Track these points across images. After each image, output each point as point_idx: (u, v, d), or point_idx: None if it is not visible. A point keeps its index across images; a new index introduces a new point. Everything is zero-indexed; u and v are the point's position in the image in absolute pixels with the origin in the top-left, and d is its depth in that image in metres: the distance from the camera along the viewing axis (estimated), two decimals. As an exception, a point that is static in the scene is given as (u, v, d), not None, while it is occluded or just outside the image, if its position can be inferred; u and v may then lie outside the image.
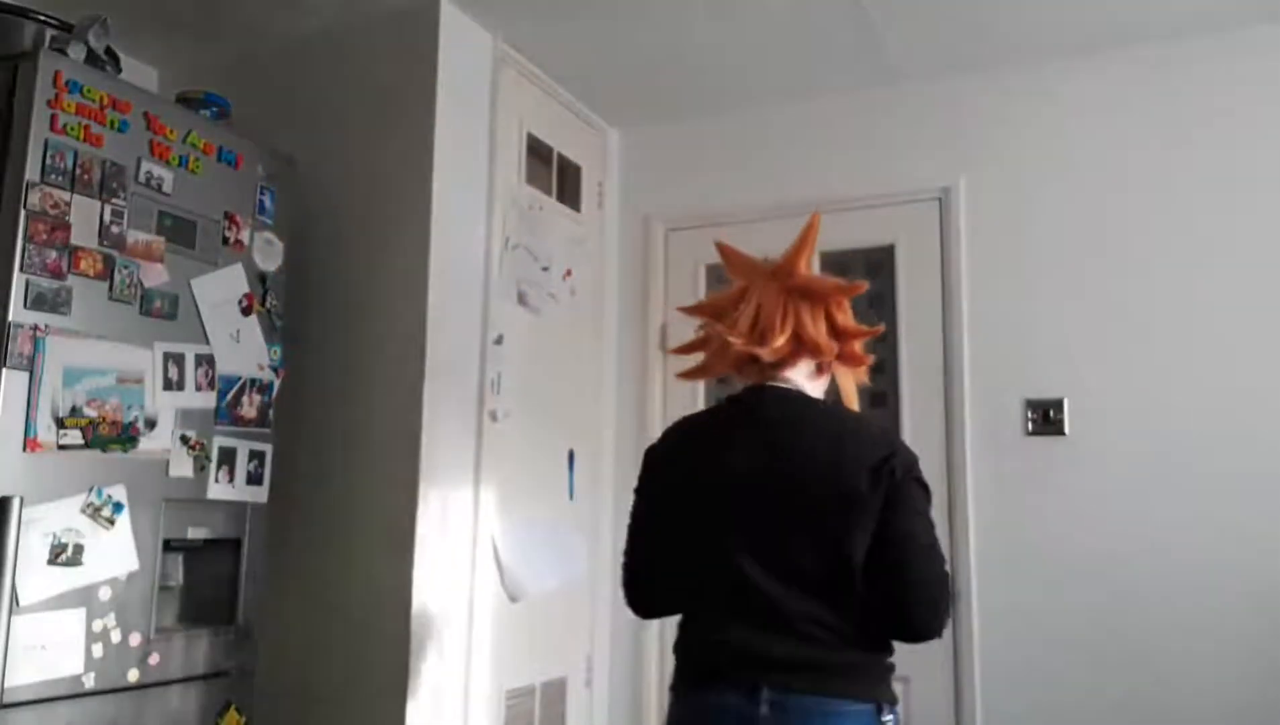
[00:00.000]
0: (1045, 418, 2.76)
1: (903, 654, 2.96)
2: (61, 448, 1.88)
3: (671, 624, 1.78)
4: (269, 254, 2.36)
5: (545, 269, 3.00)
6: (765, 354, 1.68)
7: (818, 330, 1.71)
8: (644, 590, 1.76)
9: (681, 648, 1.69)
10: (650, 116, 3.36)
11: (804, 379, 1.76)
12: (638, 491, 1.83)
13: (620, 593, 1.81)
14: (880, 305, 3.04)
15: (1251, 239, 2.62)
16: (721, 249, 1.88)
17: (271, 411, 2.33)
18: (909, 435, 2.92)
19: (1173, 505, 2.59)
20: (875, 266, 3.06)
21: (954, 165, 2.96)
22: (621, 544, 1.88)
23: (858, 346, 1.80)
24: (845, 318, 1.77)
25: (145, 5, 2.67)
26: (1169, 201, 2.72)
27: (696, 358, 1.88)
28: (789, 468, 1.61)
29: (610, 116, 3.39)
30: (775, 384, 1.73)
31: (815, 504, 1.56)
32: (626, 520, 1.88)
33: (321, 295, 2.67)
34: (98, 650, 1.90)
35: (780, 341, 1.68)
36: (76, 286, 1.93)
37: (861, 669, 1.58)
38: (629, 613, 1.86)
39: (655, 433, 3.29)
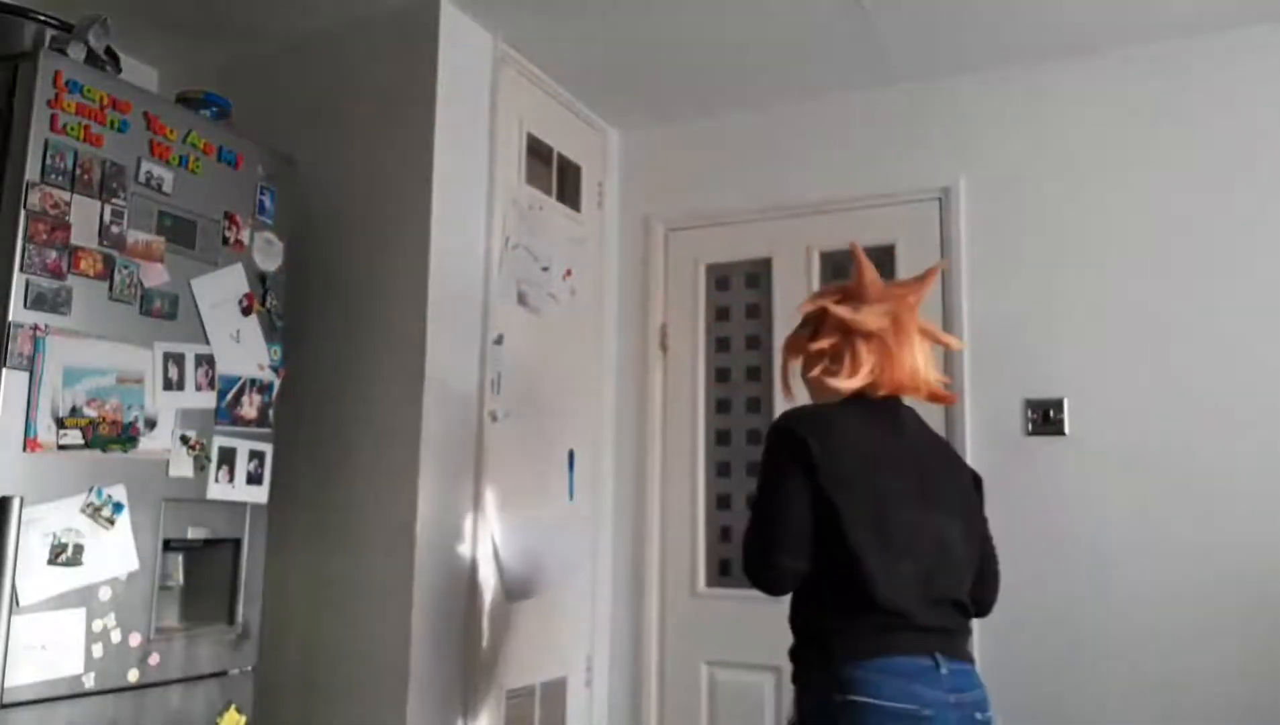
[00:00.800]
0: (1045, 418, 2.76)
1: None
2: (61, 448, 1.88)
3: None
4: (269, 254, 2.36)
5: (545, 269, 3.00)
6: (920, 397, 1.89)
7: (928, 370, 1.89)
8: (793, 561, 1.70)
9: (860, 617, 1.68)
10: (650, 116, 3.36)
11: None
12: (793, 470, 1.73)
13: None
14: (880, 305, 3.04)
15: (1252, 239, 2.62)
16: (855, 253, 1.98)
17: (271, 411, 2.33)
18: (909, 435, 2.93)
19: (1172, 505, 2.59)
20: (876, 266, 3.04)
21: (954, 165, 2.97)
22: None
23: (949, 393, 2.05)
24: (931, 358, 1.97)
25: (145, 5, 2.67)
26: (1169, 201, 2.72)
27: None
28: (939, 461, 1.90)
29: (610, 116, 3.39)
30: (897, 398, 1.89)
31: (964, 494, 1.92)
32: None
33: (321, 295, 2.67)
34: (98, 650, 1.90)
35: (923, 392, 1.89)
36: (76, 286, 1.93)
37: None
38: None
39: (655, 432, 3.33)
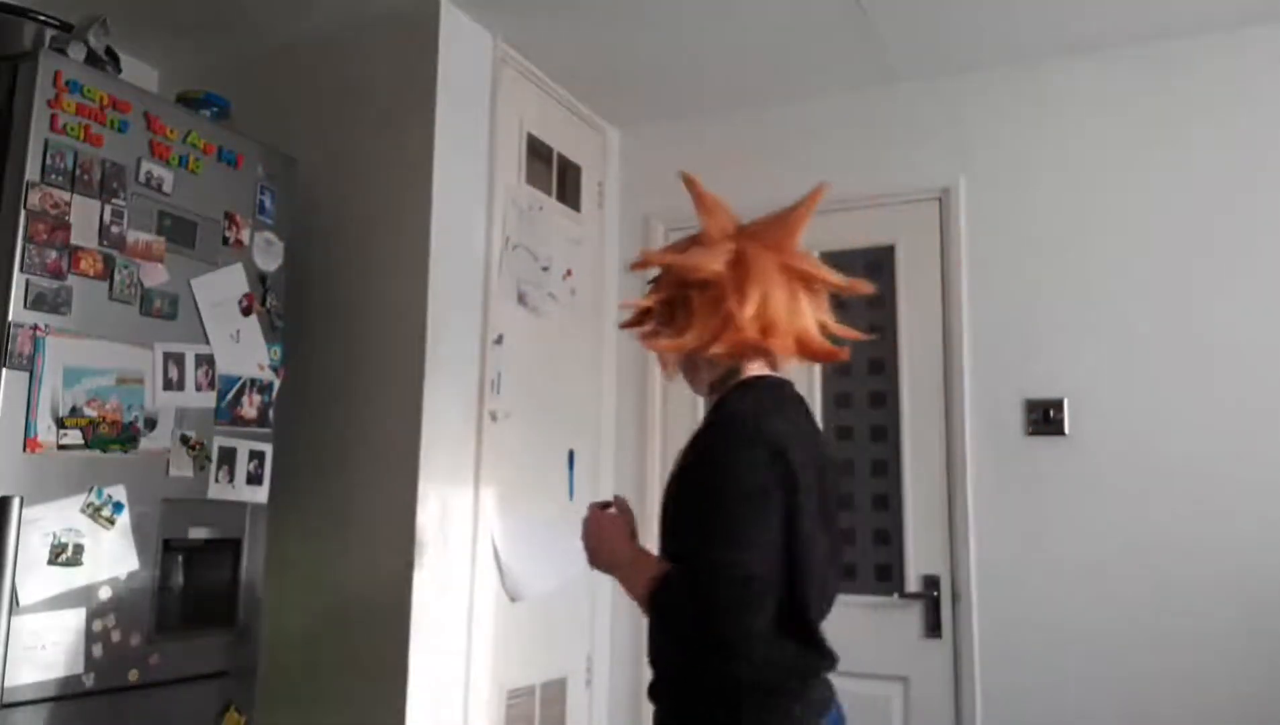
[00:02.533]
0: (1045, 418, 2.76)
1: (904, 656, 2.97)
2: (61, 448, 1.88)
3: None
4: (269, 254, 2.36)
5: (545, 269, 3.00)
6: (778, 350, 1.52)
7: (816, 329, 1.55)
8: (768, 606, 1.37)
9: (797, 671, 1.44)
10: (650, 116, 3.36)
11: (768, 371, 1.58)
12: (771, 487, 1.39)
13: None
14: (880, 305, 3.04)
15: (1252, 239, 2.62)
16: (693, 185, 1.62)
17: (271, 411, 2.33)
18: (909, 435, 2.93)
19: (1172, 505, 2.59)
20: (875, 266, 3.06)
21: (954, 165, 2.96)
22: None
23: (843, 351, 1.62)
24: (829, 315, 1.60)
25: (145, 5, 2.67)
26: (1169, 201, 2.72)
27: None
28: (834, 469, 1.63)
29: (610, 116, 3.39)
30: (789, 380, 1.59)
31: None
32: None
33: (321, 295, 2.67)
34: (98, 650, 1.90)
35: (790, 340, 1.52)
36: (76, 286, 1.93)
37: None
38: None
39: (656, 433, 3.33)
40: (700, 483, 1.42)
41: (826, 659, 1.48)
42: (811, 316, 1.56)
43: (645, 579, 1.43)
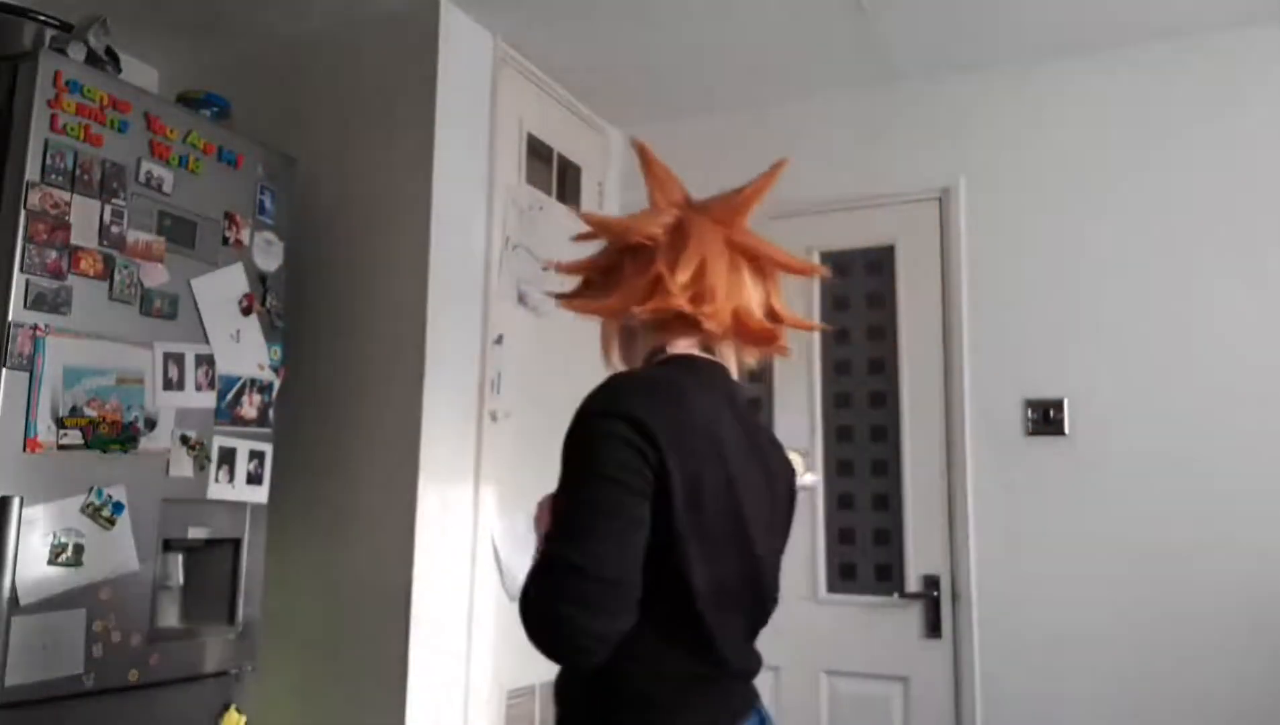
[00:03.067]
0: (1045, 418, 2.76)
1: (904, 656, 2.97)
2: (61, 448, 1.88)
3: None
4: (269, 254, 2.36)
5: (545, 269, 3.00)
6: (711, 324, 1.35)
7: (758, 310, 1.41)
8: (627, 605, 1.19)
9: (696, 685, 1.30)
10: (650, 116, 3.36)
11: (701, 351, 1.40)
12: (631, 467, 1.21)
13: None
14: (880, 305, 3.04)
15: (1252, 239, 2.62)
16: (644, 152, 1.53)
17: (271, 411, 2.33)
18: (909, 435, 2.93)
19: (1172, 505, 2.59)
20: (875, 266, 3.06)
21: (954, 165, 2.96)
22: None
23: (783, 335, 1.45)
24: (781, 300, 1.47)
25: (145, 5, 2.67)
26: (1169, 201, 2.72)
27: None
28: (773, 467, 1.42)
29: (610, 116, 3.39)
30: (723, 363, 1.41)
31: (785, 516, 1.49)
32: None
33: (321, 295, 2.67)
34: (98, 650, 1.90)
35: (726, 314, 1.36)
36: (76, 286, 1.93)
37: None
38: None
39: (655, 433, 3.31)
40: (561, 464, 1.26)
41: (726, 667, 1.32)
42: (754, 295, 1.41)
43: None
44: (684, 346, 1.38)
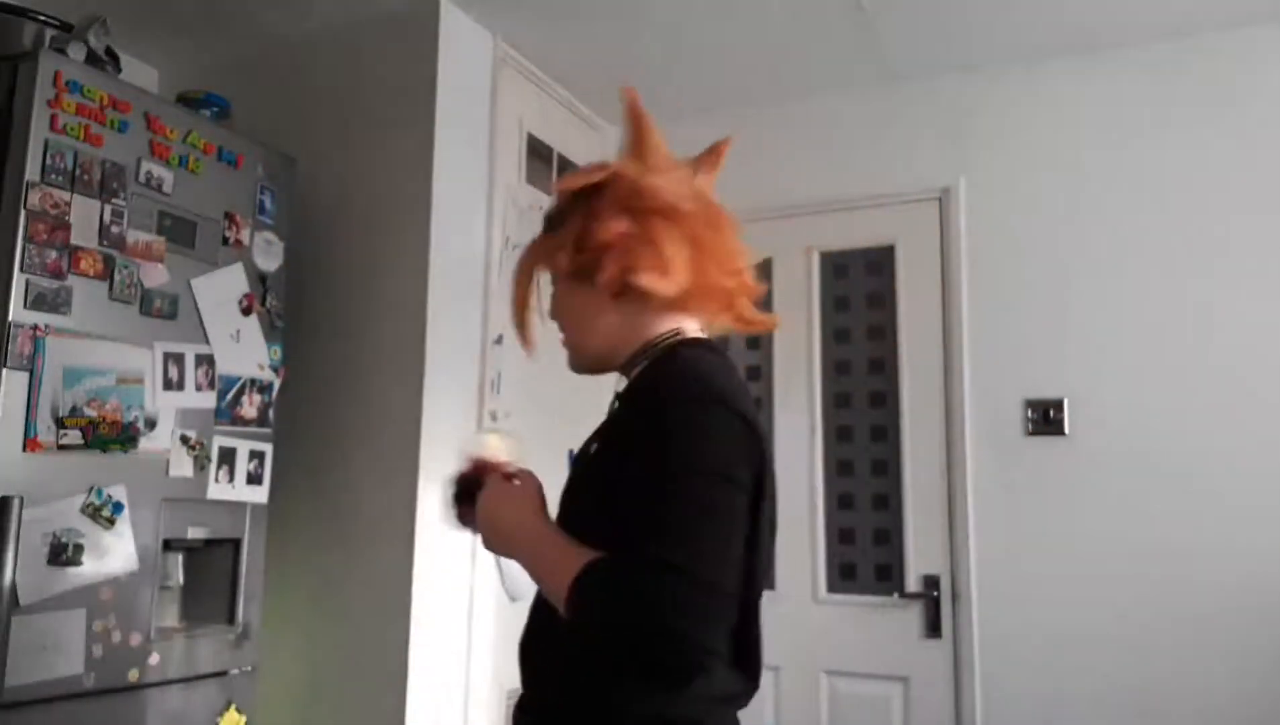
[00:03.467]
0: (1045, 418, 2.76)
1: (904, 656, 2.97)
2: (61, 448, 1.88)
3: None
4: (269, 254, 2.36)
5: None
6: (742, 306, 1.30)
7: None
8: (727, 625, 1.09)
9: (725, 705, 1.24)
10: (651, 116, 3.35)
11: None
12: (742, 469, 1.11)
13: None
14: (880, 305, 3.04)
15: (1252, 239, 2.62)
16: (636, 104, 1.42)
17: (271, 411, 2.33)
18: (909, 435, 2.93)
19: (1172, 505, 2.59)
20: (875, 266, 3.06)
21: (954, 165, 2.96)
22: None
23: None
24: None
25: (145, 5, 2.67)
26: (1169, 201, 2.72)
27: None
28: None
29: (610, 116, 3.39)
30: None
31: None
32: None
33: (321, 295, 2.67)
34: (98, 650, 1.90)
35: (747, 299, 1.34)
36: (76, 286, 1.93)
37: None
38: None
39: (655, 433, 3.31)
40: (648, 455, 1.08)
41: (755, 685, 1.28)
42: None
43: (568, 562, 1.10)
44: (694, 329, 1.28)
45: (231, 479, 2.22)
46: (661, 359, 1.22)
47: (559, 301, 1.31)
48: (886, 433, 2.98)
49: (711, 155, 1.45)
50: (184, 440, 2.12)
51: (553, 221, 1.30)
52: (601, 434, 1.23)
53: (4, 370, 1.81)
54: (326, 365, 2.63)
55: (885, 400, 2.99)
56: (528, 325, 1.35)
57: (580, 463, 1.27)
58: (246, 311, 2.29)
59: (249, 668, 2.24)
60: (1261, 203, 2.62)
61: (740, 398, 1.15)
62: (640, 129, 1.36)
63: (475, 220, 2.74)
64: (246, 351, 2.28)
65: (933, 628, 2.81)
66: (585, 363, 1.33)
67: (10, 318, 1.82)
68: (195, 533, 2.15)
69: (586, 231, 1.22)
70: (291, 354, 2.44)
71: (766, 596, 1.22)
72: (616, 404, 1.25)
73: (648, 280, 1.19)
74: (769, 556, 1.22)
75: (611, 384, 1.31)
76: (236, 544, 2.24)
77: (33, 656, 1.79)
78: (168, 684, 2.05)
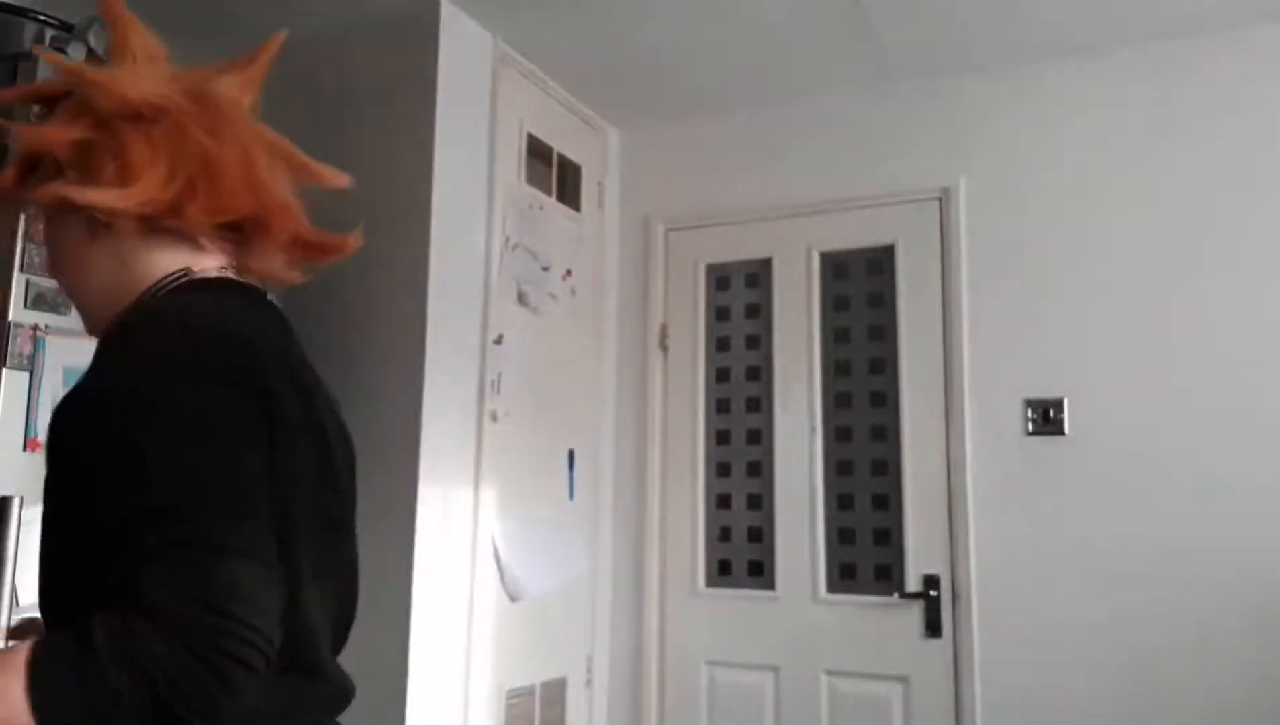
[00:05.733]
0: (1045, 418, 2.76)
1: (904, 656, 2.96)
2: (62, 448, 1.88)
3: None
4: (269, 254, 2.35)
5: (545, 269, 3.00)
6: (276, 225, 1.10)
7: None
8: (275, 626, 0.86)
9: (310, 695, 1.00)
10: (650, 116, 3.36)
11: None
12: (246, 416, 0.91)
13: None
14: (880, 305, 3.04)
15: (1252, 239, 2.62)
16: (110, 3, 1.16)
17: (271, 411, 2.32)
18: (909, 435, 2.93)
19: (1172, 505, 2.59)
20: (875, 266, 3.07)
21: (954, 165, 2.97)
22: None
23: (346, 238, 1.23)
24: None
25: (145, 5, 2.67)
26: (1169, 201, 2.72)
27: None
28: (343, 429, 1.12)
29: (610, 116, 3.39)
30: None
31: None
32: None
33: (322, 295, 2.66)
34: (98, 650, 1.90)
35: (288, 218, 1.15)
36: (77, 286, 1.93)
37: None
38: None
39: (656, 432, 3.33)
40: (122, 415, 0.87)
41: (336, 693, 1.04)
42: (291, 196, 1.13)
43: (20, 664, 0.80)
44: (213, 266, 1.05)
45: (231, 479, 2.22)
46: (145, 305, 1.00)
47: (46, 243, 1.07)
48: (886, 433, 2.98)
49: (250, 55, 1.22)
50: (184, 440, 2.12)
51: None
52: (64, 408, 0.96)
53: (4, 370, 1.81)
54: (326, 364, 2.61)
55: (885, 400, 2.99)
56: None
57: (50, 446, 0.97)
58: (246, 311, 2.28)
59: (249, 668, 2.24)
60: (1262, 203, 2.62)
61: (244, 341, 0.95)
62: (120, 30, 1.14)
63: (475, 220, 2.74)
64: (246, 351, 2.28)
65: (933, 628, 2.81)
66: (93, 321, 1.07)
67: (10, 317, 1.82)
68: (195, 533, 2.15)
69: (40, 146, 0.99)
70: (291, 354, 2.44)
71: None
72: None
73: (95, 195, 0.95)
74: (334, 562, 1.05)
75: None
76: (236, 544, 2.24)
77: (33, 656, 1.79)
78: (168, 684, 2.04)
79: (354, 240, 1.19)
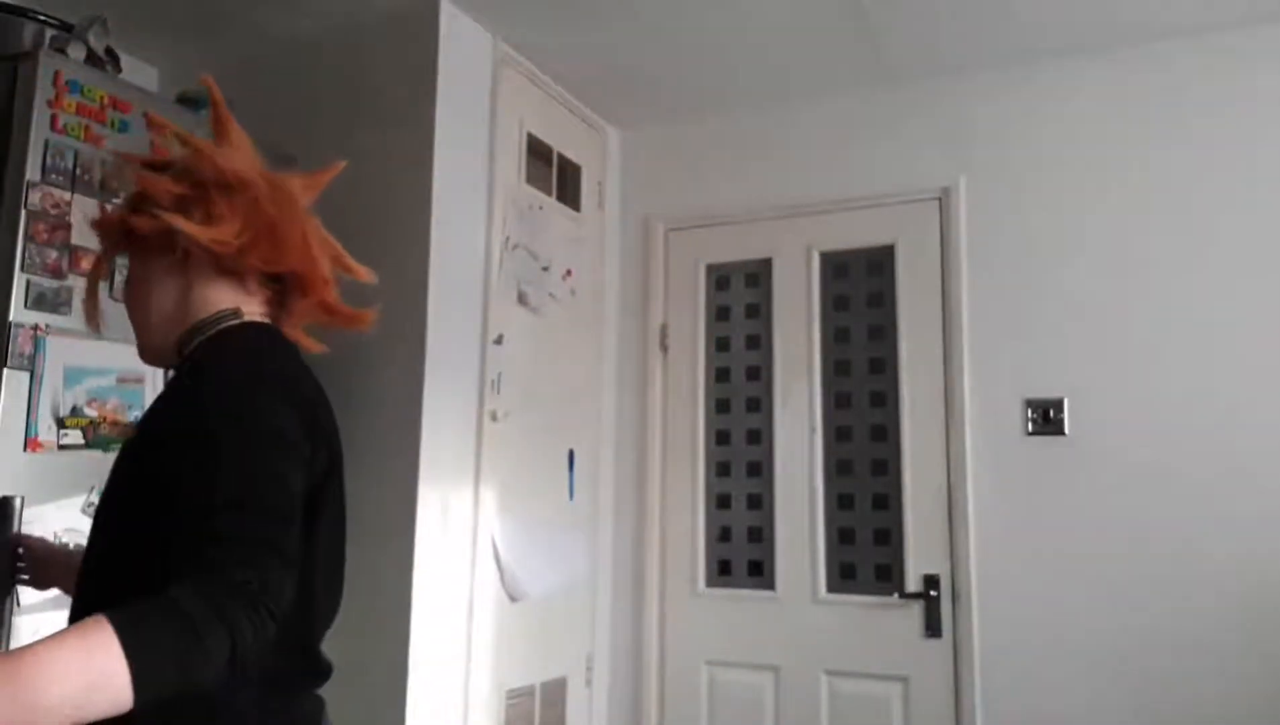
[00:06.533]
0: (1045, 418, 2.76)
1: (904, 656, 2.96)
2: (62, 448, 1.88)
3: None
4: (269, 254, 2.35)
5: (545, 269, 3.00)
6: (323, 292, 1.37)
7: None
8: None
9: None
10: (650, 116, 3.36)
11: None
12: (300, 440, 1.16)
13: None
14: (880, 305, 3.05)
15: (1252, 239, 2.62)
16: (214, 90, 1.43)
17: (272, 411, 2.32)
18: (909, 435, 2.93)
19: (1172, 505, 2.59)
20: (875, 266, 3.07)
21: (954, 165, 2.97)
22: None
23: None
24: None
25: (145, 5, 2.67)
26: (1169, 201, 2.72)
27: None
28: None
29: (610, 116, 3.39)
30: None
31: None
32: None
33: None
34: (98, 650, 1.90)
35: (330, 290, 1.40)
36: (77, 286, 1.93)
37: None
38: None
39: (656, 433, 3.33)
40: (208, 421, 1.07)
41: (322, 671, 1.33)
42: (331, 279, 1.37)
43: (84, 646, 0.85)
44: (257, 311, 1.29)
45: (232, 479, 2.22)
46: (214, 338, 1.23)
47: (128, 278, 1.31)
48: (886, 433, 2.98)
49: (315, 173, 1.52)
50: (184, 440, 2.12)
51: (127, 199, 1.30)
52: (141, 426, 1.23)
53: (4, 370, 1.81)
54: (325, 364, 2.62)
55: (885, 400, 3.00)
56: (96, 300, 1.36)
57: (121, 459, 1.21)
58: (247, 311, 2.28)
59: (249, 668, 2.24)
60: (1261, 202, 2.62)
61: (298, 383, 1.21)
62: (221, 116, 1.36)
63: (475, 220, 2.74)
64: (247, 351, 2.28)
65: (933, 628, 2.81)
66: (149, 345, 1.31)
67: (11, 317, 1.82)
68: (195, 533, 2.15)
69: (140, 193, 1.24)
70: (292, 354, 2.44)
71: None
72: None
73: (192, 228, 1.18)
74: (336, 559, 1.33)
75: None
76: (237, 544, 2.24)
77: (33, 656, 1.79)
78: (168, 684, 2.04)
79: (373, 315, 1.45)
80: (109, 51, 2.14)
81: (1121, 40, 2.78)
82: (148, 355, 1.32)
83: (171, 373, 1.29)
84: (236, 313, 1.25)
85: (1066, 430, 2.74)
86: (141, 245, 1.25)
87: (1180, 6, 2.62)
